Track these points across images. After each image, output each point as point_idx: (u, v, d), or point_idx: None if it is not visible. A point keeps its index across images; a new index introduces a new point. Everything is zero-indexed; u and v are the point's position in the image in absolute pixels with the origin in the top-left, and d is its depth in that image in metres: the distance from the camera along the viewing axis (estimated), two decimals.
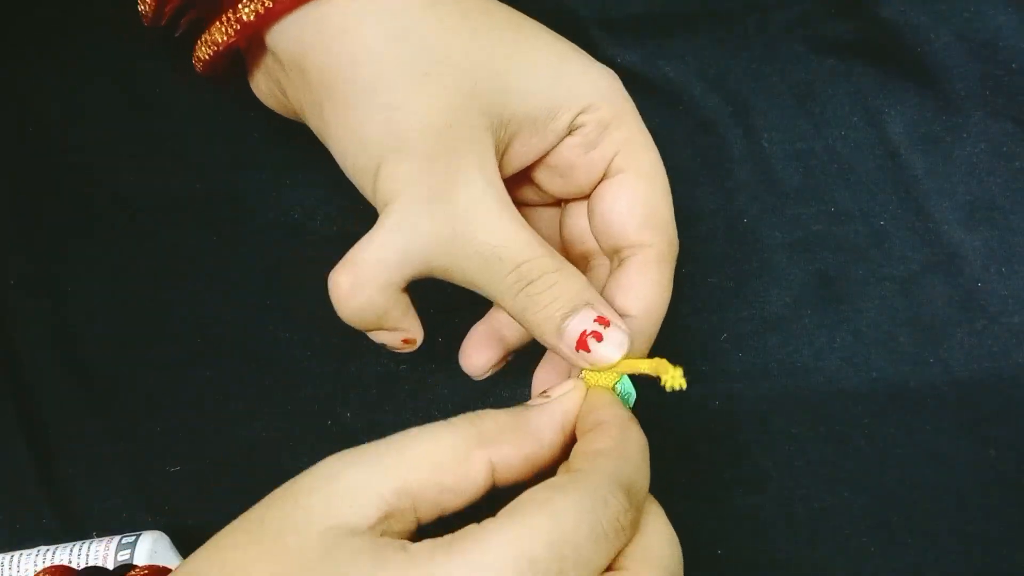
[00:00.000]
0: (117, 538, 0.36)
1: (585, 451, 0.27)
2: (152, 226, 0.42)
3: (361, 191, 0.31)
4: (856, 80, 0.42)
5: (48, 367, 0.40)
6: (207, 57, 0.33)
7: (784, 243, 0.41)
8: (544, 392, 0.30)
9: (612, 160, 0.33)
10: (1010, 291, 0.40)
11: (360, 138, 0.30)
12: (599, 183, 0.33)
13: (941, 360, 0.39)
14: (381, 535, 0.25)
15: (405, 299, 0.31)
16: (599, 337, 0.30)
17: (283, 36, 0.31)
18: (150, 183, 0.42)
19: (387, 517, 0.26)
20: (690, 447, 0.39)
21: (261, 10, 0.30)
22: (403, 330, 0.31)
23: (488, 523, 0.24)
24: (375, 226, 0.30)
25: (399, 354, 0.40)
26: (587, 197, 0.34)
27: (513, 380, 0.39)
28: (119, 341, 0.41)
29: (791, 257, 0.41)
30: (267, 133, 0.42)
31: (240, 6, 0.31)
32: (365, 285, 0.30)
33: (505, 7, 0.32)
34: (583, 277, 0.31)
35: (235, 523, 0.27)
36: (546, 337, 0.30)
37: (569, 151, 0.32)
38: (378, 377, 0.40)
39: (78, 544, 0.36)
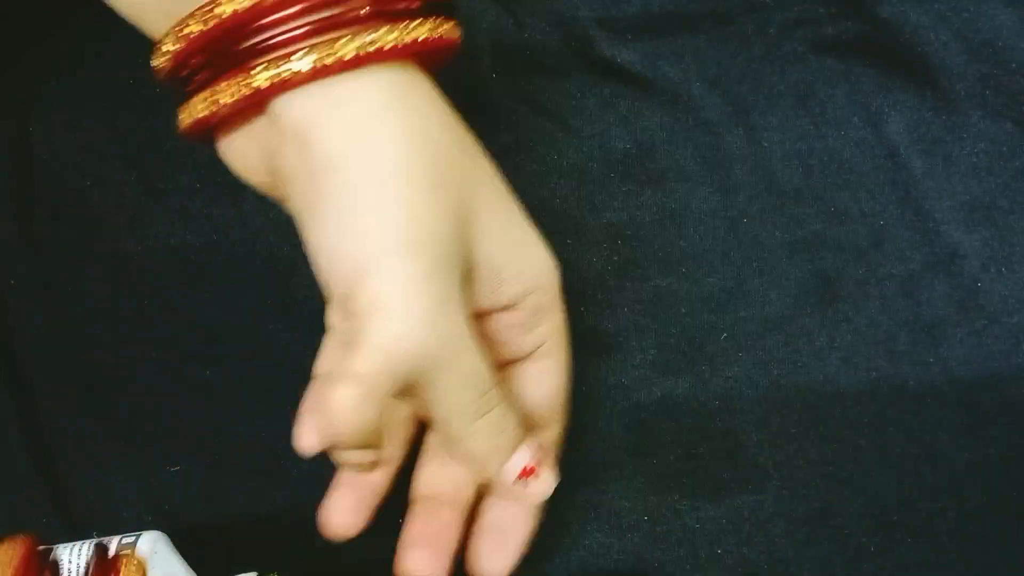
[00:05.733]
0: (117, 538, 0.36)
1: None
2: (151, 225, 0.42)
3: (327, 278, 0.30)
4: (856, 80, 0.42)
5: (48, 367, 0.40)
6: (203, 115, 0.31)
7: (784, 243, 0.41)
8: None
9: (540, 347, 0.34)
10: (1010, 291, 0.40)
11: (357, 229, 0.28)
12: (520, 360, 0.34)
13: (941, 360, 0.39)
14: None
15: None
16: (536, 474, 0.32)
17: (293, 105, 0.29)
18: (150, 183, 0.42)
19: None
20: (690, 447, 0.39)
21: (277, 80, 0.29)
22: (382, 448, 0.31)
23: None
24: (368, 333, 0.28)
25: None
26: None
27: None
28: (119, 341, 0.41)
29: (791, 257, 0.41)
30: None
31: (253, 72, 0.29)
32: (375, 398, 0.28)
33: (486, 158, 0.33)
34: (519, 413, 0.33)
35: None
36: (488, 467, 0.32)
37: (505, 331, 0.33)
38: None
39: (78, 544, 0.36)
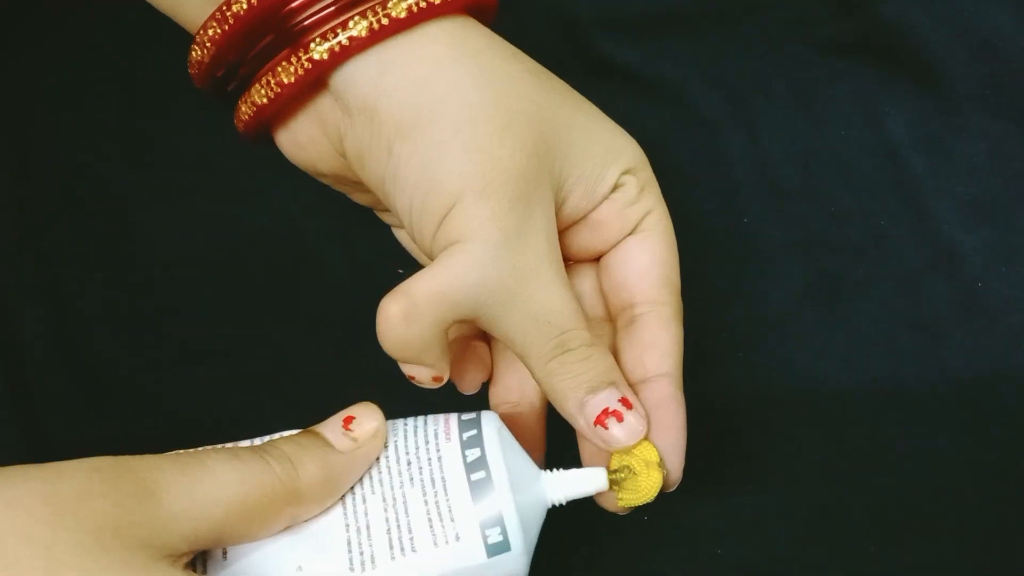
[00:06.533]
0: (455, 416, 0.33)
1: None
2: (151, 227, 0.42)
3: (416, 236, 0.31)
4: (856, 80, 0.42)
5: (49, 368, 0.40)
6: (264, 102, 0.31)
7: (784, 243, 0.41)
8: (348, 422, 0.31)
9: (643, 219, 0.34)
10: (1010, 291, 0.40)
11: (436, 178, 0.29)
12: (624, 238, 0.34)
13: (941, 360, 0.39)
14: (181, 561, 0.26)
15: (446, 339, 0.31)
16: (619, 417, 0.31)
17: (355, 80, 0.30)
18: (150, 184, 0.42)
19: (191, 552, 0.26)
20: (690, 447, 0.39)
21: (337, 48, 0.29)
22: (438, 369, 0.31)
23: None
24: (436, 262, 0.29)
25: None
26: (596, 260, 0.35)
27: None
28: (119, 342, 0.41)
29: (791, 257, 0.41)
30: None
31: (312, 45, 0.30)
32: (419, 318, 0.29)
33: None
34: (612, 359, 0.32)
35: (53, 482, 0.26)
36: (566, 406, 0.31)
37: (608, 206, 0.33)
38: (378, 376, 0.40)
39: (412, 420, 0.34)
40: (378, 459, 0.31)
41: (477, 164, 0.29)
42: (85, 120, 0.43)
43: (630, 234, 0.34)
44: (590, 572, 0.37)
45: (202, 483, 0.27)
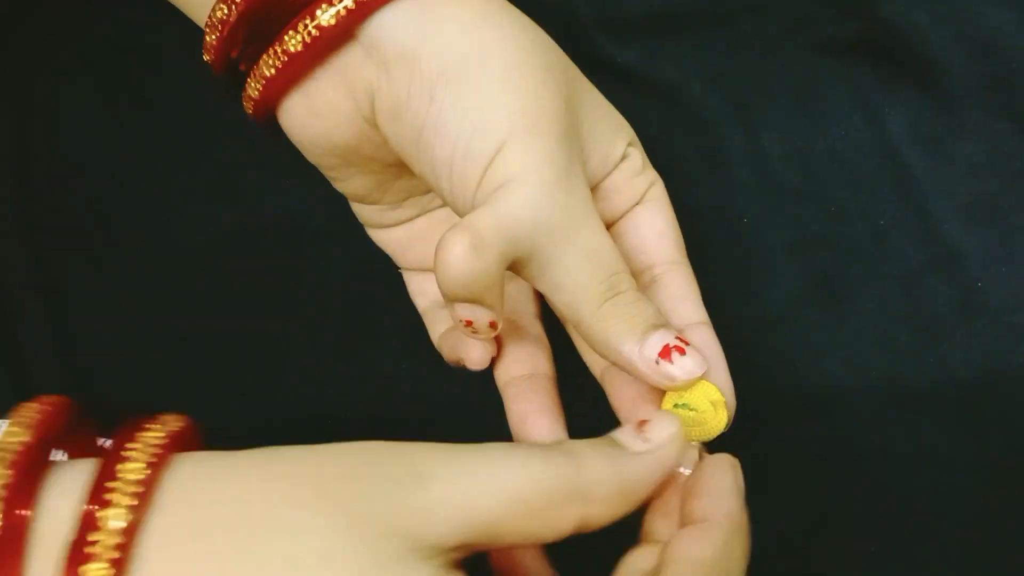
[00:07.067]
0: None
1: (682, 556, 0.26)
2: (151, 226, 0.42)
3: (455, 187, 0.30)
4: (856, 80, 0.42)
5: (48, 368, 0.40)
6: (298, 49, 0.30)
7: (784, 243, 0.41)
8: (642, 425, 0.28)
9: (648, 189, 0.35)
10: (1010, 291, 0.40)
11: (483, 121, 0.29)
12: (633, 207, 0.35)
13: (941, 360, 0.39)
14: (446, 558, 0.24)
15: (503, 280, 0.30)
16: (682, 351, 0.30)
17: (395, 23, 0.30)
18: (150, 183, 0.42)
19: (463, 546, 0.24)
20: None
21: None
22: (497, 310, 0.31)
23: None
24: (492, 199, 0.29)
25: (400, 353, 0.40)
26: (610, 225, 0.35)
27: None
28: (120, 342, 0.41)
29: (791, 257, 0.41)
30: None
31: None
32: (487, 251, 0.28)
33: None
34: (655, 305, 0.32)
35: (303, 462, 0.25)
36: (623, 348, 0.30)
37: (620, 174, 0.34)
38: (379, 376, 0.40)
39: None
40: None
41: (526, 104, 0.30)
42: (85, 120, 0.43)
43: (637, 204, 0.35)
44: (589, 571, 0.37)
45: (477, 471, 0.25)
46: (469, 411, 0.39)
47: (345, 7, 0.30)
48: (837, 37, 0.42)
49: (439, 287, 0.29)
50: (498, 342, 0.37)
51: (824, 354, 0.39)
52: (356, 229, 0.41)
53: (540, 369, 0.36)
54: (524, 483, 0.25)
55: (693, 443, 0.31)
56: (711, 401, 0.32)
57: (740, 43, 0.43)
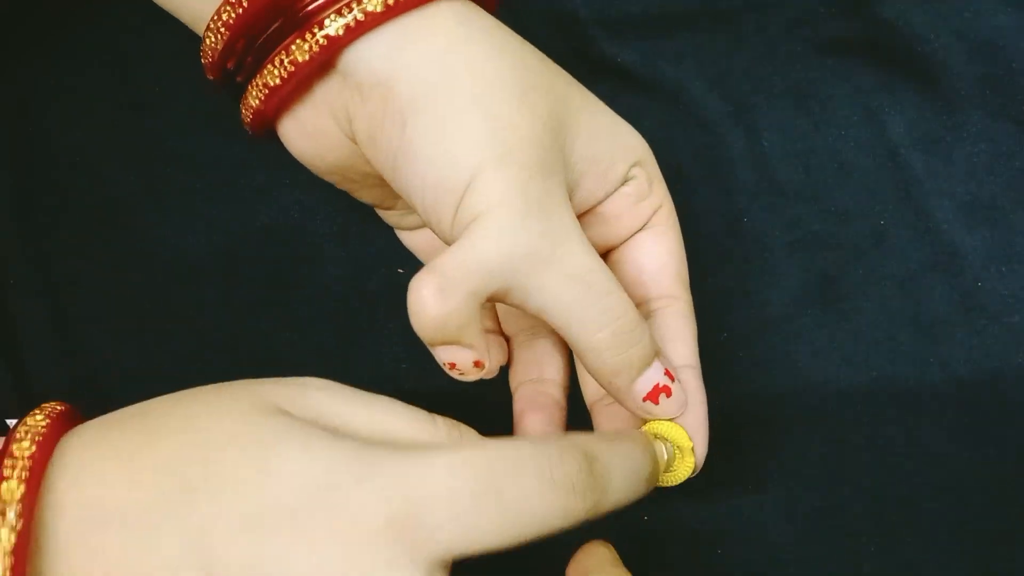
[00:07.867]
0: None
1: None
2: (151, 226, 0.42)
3: (432, 218, 0.30)
4: (856, 80, 0.42)
5: (48, 367, 0.40)
6: (277, 82, 0.31)
7: (784, 243, 0.41)
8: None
9: (653, 214, 0.34)
10: (1010, 291, 0.40)
11: (454, 152, 0.29)
12: (634, 234, 0.34)
13: (941, 360, 0.39)
14: None
15: (479, 318, 0.30)
16: (668, 392, 0.31)
17: (367, 57, 0.30)
18: (150, 184, 0.42)
19: None
20: None
21: (352, 23, 0.29)
22: (478, 349, 0.30)
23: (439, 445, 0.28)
24: (463, 235, 0.28)
25: (400, 354, 0.40)
26: (605, 255, 0.34)
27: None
28: (120, 342, 0.41)
29: (791, 257, 0.41)
30: None
31: (327, 21, 0.29)
32: (453, 291, 0.28)
33: None
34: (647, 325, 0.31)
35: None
36: (617, 381, 0.31)
37: (621, 199, 0.33)
38: (379, 376, 0.40)
39: None
40: None
41: (495, 132, 0.29)
42: (85, 120, 0.43)
43: (640, 230, 0.34)
44: None
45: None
46: (470, 413, 0.39)
47: (332, 32, 0.29)
48: (837, 37, 0.42)
49: (416, 328, 0.29)
50: (510, 349, 0.36)
51: (824, 354, 0.39)
52: (356, 230, 0.41)
53: (551, 375, 0.36)
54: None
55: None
56: (679, 447, 0.32)
57: (740, 43, 0.43)
